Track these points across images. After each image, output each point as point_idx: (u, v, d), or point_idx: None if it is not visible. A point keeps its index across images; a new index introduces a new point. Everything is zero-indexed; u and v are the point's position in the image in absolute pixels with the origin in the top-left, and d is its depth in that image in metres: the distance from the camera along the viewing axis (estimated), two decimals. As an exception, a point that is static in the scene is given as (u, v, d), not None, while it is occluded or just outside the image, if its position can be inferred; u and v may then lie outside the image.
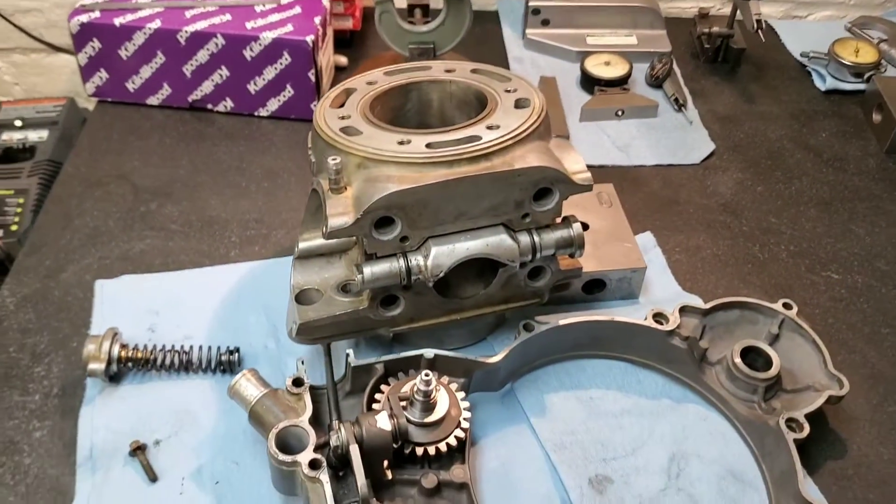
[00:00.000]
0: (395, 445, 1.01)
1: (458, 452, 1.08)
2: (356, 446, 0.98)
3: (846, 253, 1.45)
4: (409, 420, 1.04)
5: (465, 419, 1.07)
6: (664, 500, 1.11)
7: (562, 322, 1.19)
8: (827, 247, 1.46)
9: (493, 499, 1.10)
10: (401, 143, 1.07)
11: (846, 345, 1.30)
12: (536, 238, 1.11)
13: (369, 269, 1.07)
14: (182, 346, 1.20)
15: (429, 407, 1.05)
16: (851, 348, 1.30)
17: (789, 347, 1.23)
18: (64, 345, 1.25)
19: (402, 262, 1.07)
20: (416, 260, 1.08)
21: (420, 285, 1.11)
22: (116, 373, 1.19)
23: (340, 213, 1.03)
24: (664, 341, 1.21)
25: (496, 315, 1.26)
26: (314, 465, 1.00)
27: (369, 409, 1.08)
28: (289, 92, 1.60)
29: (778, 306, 1.24)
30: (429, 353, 1.12)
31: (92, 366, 1.16)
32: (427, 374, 1.03)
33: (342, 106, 1.18)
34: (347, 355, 1.11)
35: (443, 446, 1.05)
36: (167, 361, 1.19)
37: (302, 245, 1.16)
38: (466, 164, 1.04)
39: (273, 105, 1.63)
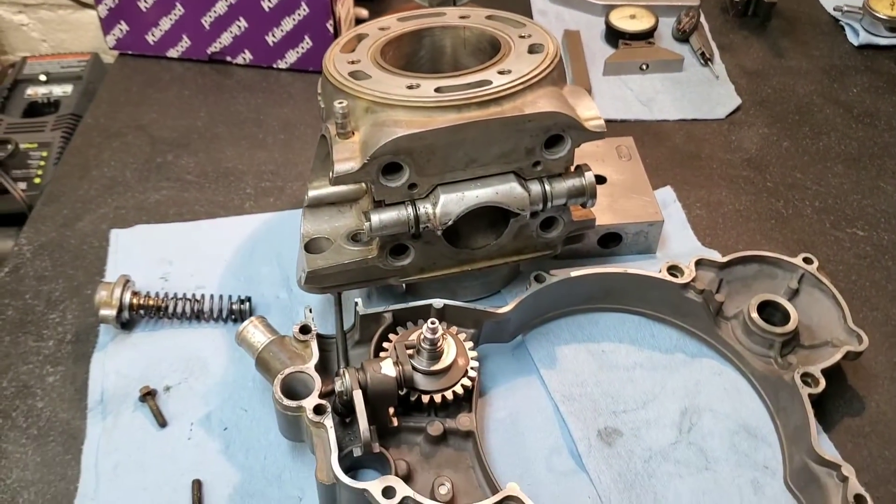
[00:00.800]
0: (400, 392, 1.01)
1: (466, 402, 1.07)
2: (360, 391, 0.97)
3: (873, 210, 1.41)
4: (414, 368, 1.03)
5: (472, 368, 1.07)
6: (674, 453, 1.10)
7: (574, 274, 1.17)
8: (853, 203, 1.42)
9: (499, 448, 1.09)
10: (410, 87, 1.05)
11: (868, 302, 1.27)
12: (547, 186, 1.09)
13: (377, 217, 1.05)
14: (193, 295, 1.21)
15: (435, 355, 1.04)
16: (874, 305, 1.27)
17: (808, 303, 1.20)
18: (78, 292, 1.26)
19: (410, 209, 1.06)
20: (425, 208, 1.06)
21: (430, 235, 1.10)
22: (128, 320, 1.20)
23: (347, 158, 1.02)
24: (679, 294, 1.19)
25: (510, 268, 1.25)
26: (318, 410, 1.00)
27: (376, 356, 1.07)
28: (307, 44, 1.59)
29: (798, 261, 1.21)
30: (438, 302, 1.11)
31: (103, 312, 1.16)
32: (433, 322, 1.02)
33: (353, 51, 1.16)
34: (356, 304, 1.11)
35: (449, 394, 1.04)
36: (178, 309, 1.20)
37: (312, 193, 1.16)
38: (476, 108, 1.02)
39: (291, 57, 1.62)
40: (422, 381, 1.04)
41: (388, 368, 1.00)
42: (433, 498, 0.98)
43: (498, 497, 0.95)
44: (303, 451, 1.08)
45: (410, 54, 1.22)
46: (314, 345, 1.06)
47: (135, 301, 1.18)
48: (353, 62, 1.13)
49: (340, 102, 1.02)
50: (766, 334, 1.15)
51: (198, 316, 1.21)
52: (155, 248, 1.32)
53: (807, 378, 1.09)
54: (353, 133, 1.04)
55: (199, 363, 1.17)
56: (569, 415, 1.12)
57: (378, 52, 1.15)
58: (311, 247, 1.15)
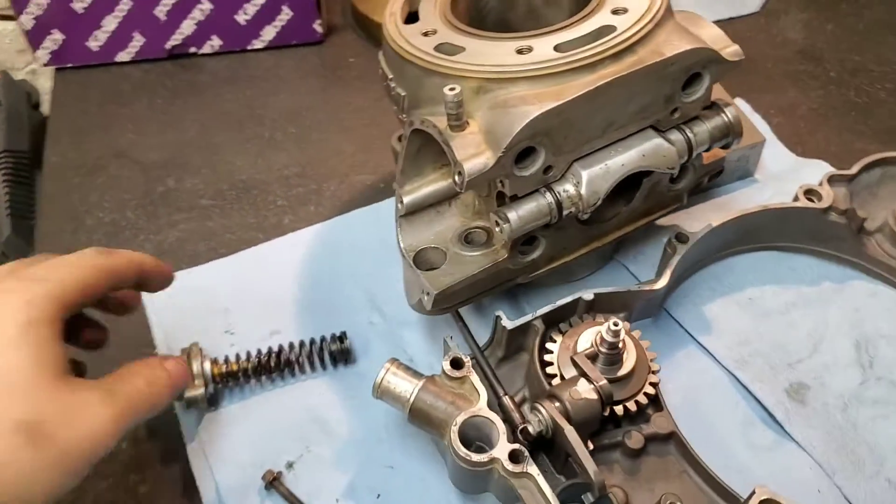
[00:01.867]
0: (604, 414, 0.86)
1: (651, 401, 0.93)
2: (570, 427, 0.82)
3: (945, 79, 1.33)
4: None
5: (653, 361, 0.93)
6: (866, 393, 1.00)
7: (715, 224, 1.03)
8: (923, 76, 1.34)
9: (689, 437, 0.95)
10: (520, 51, 0.87)
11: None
12: (689, 134, 0.93)
13: (515, 214, 0.88)
14: (280, 346, 1.01)
15: (618, 359, 0.89)
16: None
17: (944, 197, 1.11)
18: (133, 374, 1.03)
19: (549, 196, 0.89)
20: (566, 191, 0.89)
21: (563, 220, 0.93)
22: (213, 394, 0.99)
23: (474, 154, 0.83)
24: (819, 219, 1.07)
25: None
26: (516, 457, 0.84)
27: (545, 374, 0.91)
28: (286, 14, 1.35)
29: (924, 154, 1.11)
30: (587, 294, 0.96)
31: (189, 394, 0.95)
32: (616, 324, 0.87)
33: (415, 18, 0.96)
34: (499, 318, 0.94)
35: (642, 398, 0.90)
36: (270, 366, 1.00)
37: (407, 199, 0.96)
38: (611, 62, 0.85)
39: (269, 34, 1.38)
40: (613, 392, 0.89)
41: (585, 390, 0.85)
42: (663, 521, 0.85)
43: (752, 504, 0.82)
44: (479, 499, 0.92)
45: (472, 6, 1.02)
46: (475, 379, 0.89)
47: (216, 370, 0.98)
48: (427, 33, 0.93)
49: (452, 89, 0.82)
50: (922, 242, 1.05)
51: (292, 369, 1.01)
52: (202, 299, 1.10)
53: None
54: (467, 123, 0.85)
55: (317, 425, 0.98)
56: (750, 381, 1.00)
57: (448, 10, 0.95)
58: (419, 262, 0.97)
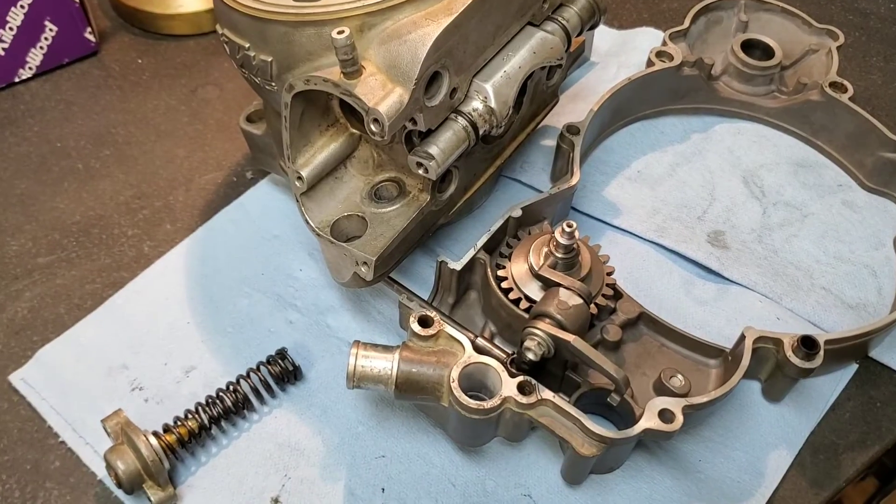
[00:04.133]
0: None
1: (613, 289, 0.92)
2: (576, 336, 0.79)
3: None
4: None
5: (603, 252, 0.92)
6: (771, 220, 1.06)
7: (595, 107, 1.03)
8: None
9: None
10: (389, -24, 0.80)
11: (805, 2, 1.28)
12: (563, 21, 0.91)
13: (437, 149, 0.82)
14: (220, 389, 0.88)
15: (575, 261, 0.87)
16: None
17: (762, 27, 1.18)
18: (44, 479, 0.86)
19: (461, 120, 0.84)
20: (475, 109, 0.84)
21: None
22: (170, 469, 0.85)
23: (384, 96, 0.76)
24: (676, 77, 1.11)
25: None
26: (525, 389, 0.79)
27: (515, 304, 0.87)
28: (51, 30, 1.16)
29: (734, -7, 1.18)
30: (516, 211, 0.93)
31: (157, 495, 0.81)
32: (570, 225, 0.84)
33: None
34: (444, 263, 0.88)
35: (607, 290, 0.89)
36: (220, 413, 0.87)
37: (306, 172, 0.86)
38: (487, -39, 0.81)
39: (36, 57, 1.18)
40: (582, 293, 0.87)
41: (569, 296, 0.82)
42: (668, 393, 0.85)
43: (749, 348, 0.84)
44: (482, 451, 0.88)
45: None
46: (450, 330, 0.83)
47: (166, 441, 0.84)
48: (274, -15, 0.83)
49: (341, 31, 0.74)
50: (764, 71, 1.12)
51: (242, 409, 0.89)
52: (91, 364, 0.94)
53: (835, 87, 1.08)
54: (363, 67, 0.77)
55: (287, 450, 0.88)
56: (676, 244, 1.02)
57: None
58: (336, 236, 0.88)
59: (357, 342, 0.84)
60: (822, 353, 0.84)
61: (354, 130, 0.89)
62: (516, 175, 1.09)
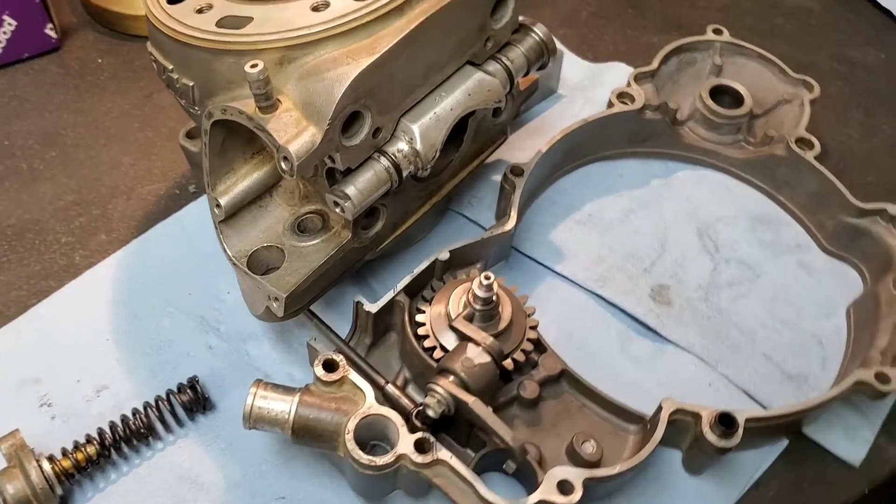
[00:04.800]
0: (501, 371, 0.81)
1: (535, 345, 0.89)
2: (475, 398, 0.76)
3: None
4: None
5: (527, 304, 0.88)
6: (720, 277, 1.02)
7: (544, 148, 0.99)
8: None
9: (578, 370, 0.93)
10: (315, 8, 0.77)
11: (773, 46, 1.23)
12: (507, 61, 0.88)
13: (354, 189, 0.79)
14: (125, 417, 0.86)
15: (494, 313, 0.84)
16: (765, 49, 1.24)
17: (736, 73, 1.14)
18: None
19: (384, 160, 0.81)
20: (400, 150, 0.81)
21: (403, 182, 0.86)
22: (62, 496, 0.83)
23: (296, 133, 0.73)
24: (637, 120, 1.07)
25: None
26: (423, 447, 0.77)
27: (424, 350, 0.84)
28: (9, 24, 1.14)
29: (709, 35, 1.13)
30: (443, 254, 0.90)
31: None
32: (488, 277, 0.81)
33: (178, -2, 0.83)
34: (359, 304, 0.86)
35: (528, 346, 0.86)
36: (123, 439, 0.85)
37: (224, 200, 0.84)
38: (418, 2, 0.78)
39: (-7, 50, 1.17)
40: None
41: (477, 354, 0.79)
42: (579, 460, 0.82)
43: (664, 422, 0.80)
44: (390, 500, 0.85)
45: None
46: (354, 377, 0.80)
47: (59, 468, 0.82)
48: (202, 9, 0.81)
49: (254, 65, 0.71)
50: (731, 120, 1.08)
51: (146, 437, 0.87)
52: (1, 375, 0.92)
53: (800, 143, 1.04)
54: (279, 101, 0.75)
55: (187, 482, 0.86)
56: (616, 296, 0.99)
57: (214, -18, 0.83)
58: (252, 267, 0.86)
59: (258, 381, 0.81)
60: (740, 431, 0.80)
61: (280, 160, 0.87)
62: (463, 210, 1.06)
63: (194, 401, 0.88)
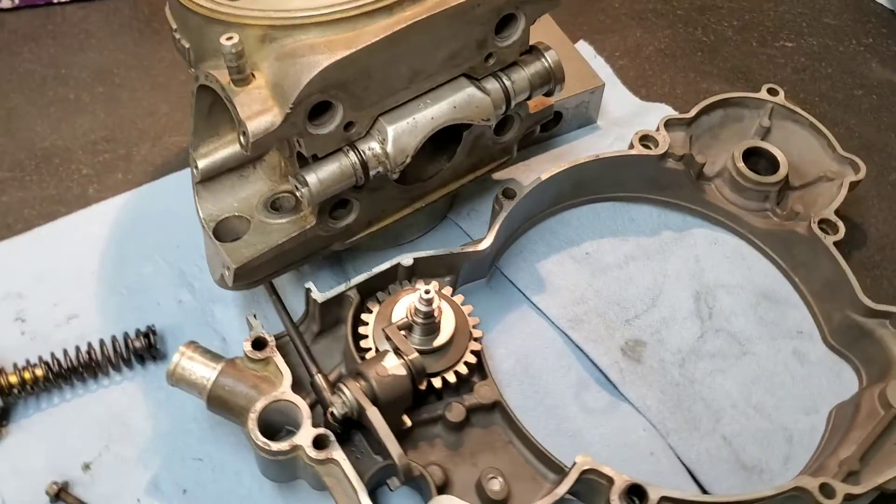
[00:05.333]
0: (420, 388, 0.80)
1: (475, 369, 0.87)
2: (374, 409, 0.75)
3: (790, 15, 1.29)
4: (419, 351, 0.81)
5: (475, 328, 0.86)
6: (704, 347, 0.96)
7: (544, 177, 0.97)
8: (770, 13, 1.30)
9: (520, 405, 0.91)
10: (311, -6, 0.78)
11: (825, 118, 1.16)
12: (507, 81, 0.86)
13: (314, 177, 0.80)
14: (78, 349, 0.90)
15: (434, 328, 0.83)
16: (832, 121, 1.17)
17: (784, 138, 1.07)
18: None
19: (352, 155, 0.81)
20: (371, 149, 0.81)
21: (377, 180, 0.85)
22: (3, 407, 0.88)
23: (259, 111, 0.75)
24: (656, 167, 1.02)
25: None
26: (320, 443, 0.77)
27: (358, 349, 0.84)
28: (91, -38, 1.22)
29: (763, 94, 1.07)
30: (406, 259, 0.89)
31: None
32: (428, 291, 0.80)
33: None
34: (309, 291, 0.86)
35: (462, 368, 0.84)
36: (65, 373, 0.89)
37: (202, 163, 0.86)
38: (410, 5, 0.77)
39: (75, -17, 1.24)
40: (428, 363, 0.82)
41: (393, 366, 0.78)
42: (484, 497, 0.80)
43: (571, 480, 0.77)
44: (295, 486, 0.85)
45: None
46: (278, 360, 0.81)
47: (3, 382, 0.87)
48: (210, -23, 0.82)
49: (230, 38, 0.73)
50: (759, 186, 1.02)
51: (94, 373, 0.91)
52: (-11, 278, 0.98)
53: (824, 225, 0.97)
54: (253, 76, 0.76)
55: (118, 423, 0.89)
56: (583, 341, 0.95)
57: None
58: (220, 233, 0.88)
59: (190, 343, 0.84)
60: (651, 508, 0.76)
61: (265, 135, 0.88)
62: (460, 220, 1.04)
63: (145, 348, 0.91)
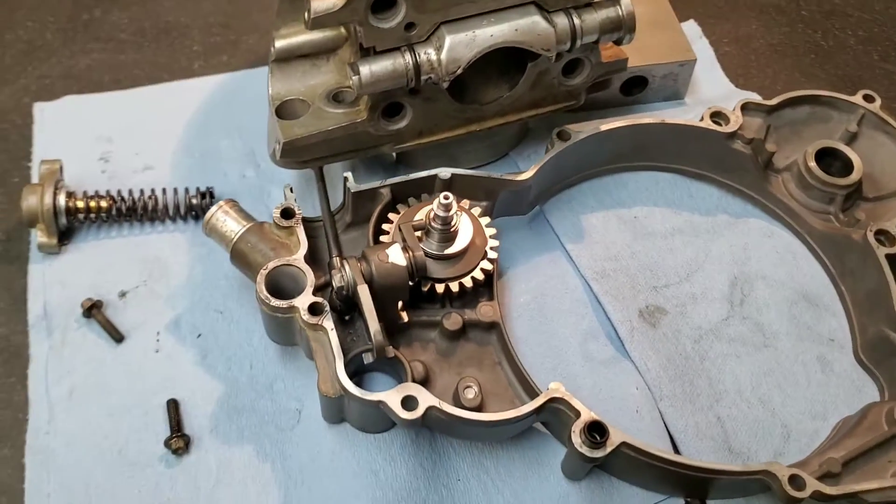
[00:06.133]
0: (410, 283, 0.83)
1: (485, 287, 0.90)
2: (365, 286, 0.79)
3: (925, 36, 1.23)
4: (426, 253, 0.85)
5: (491, 249, 0.89)
6: (726, 330, 0.95)
7: (604, 127, 0.97)
8: (902, 30, 1.24)
9: (525, 338, 0.93)
10: None
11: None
12: (576, 19, 0.88)
13: (367, 68, 0.84)
14: (142, 192, 0.99)
15: (449, 236, 0.86)
16: (935, 147, 1.10)
17: (870, 148, 1.03)
18: (4, 181, 1.04)
19: (408, 56, 0.85)
20: (427, 53, 0.85)
21: (431, 89, 0.89)
22: (67, 228, 0.98)
23: (326, -8, 0.80)
24: (723, 145, 1.01)
25: (520, 125, 1.05)
26: (315, 309, 0.82)
27: (377, 241, 0.89)
28: None
29: (857, 99, 1.03)
30: (444, 172, 0.92)
31: (41, 239, 0.95)
32: (447, 197, 0.83)
33: None
34: (346, 179, 0.91)
35: (467, 281, 0.87)
36: (126, 210, 0.98)
37: (279, 44, 0.93)
38: None
39: None
40: (435, 268, 0.86)
41: (396, 256, 0.82)
42: (458, 403, 0.82)
43: (539, 401, 0.79)
44: (295, 354, 0.91)
45: None
46: (300, 231, 0.87)
47: (72, 204, 0.96)
48: None
49: (312, -78, 0.79)
50: (826, 187, 0.98)
51: (151, 217, 1.00)
52: (90, 124, 1.09)
53: (881, 236, 0.93)
54: (330, -40, 0.81)
55: (159, 264, 0.98)
56: (604, 294, 0.95)
57: None
58: (283, 111, 0.94)
59: (230, 200, 0.91)
60: (607, 448, 0.76)
61: (342, 29, 0.94)
62: (520, 160, 1.07)
63: (199, 206, 0.99)
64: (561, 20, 0.88)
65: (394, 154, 1.01)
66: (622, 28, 0.89)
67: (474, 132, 0.97)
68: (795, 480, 0.77)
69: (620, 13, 0.89)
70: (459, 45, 0.85)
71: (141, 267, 0.97)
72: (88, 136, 1.07)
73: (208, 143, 1.08)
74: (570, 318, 0.95)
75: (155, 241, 1.00)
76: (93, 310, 0.92)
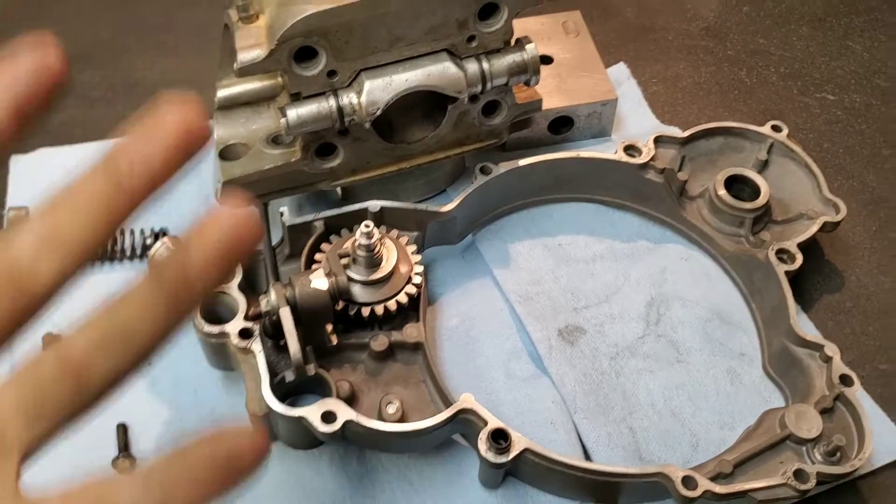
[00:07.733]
0: (337, 308, 0.90)
1: (413, 311, 0.97)
2: (287, 308, 0.87)
3: (842, 71, 1.31)
4: (351, 279, 0.92)
5: (416, 274, 0.96)
6: (642, 347, 1.01)
7: (522, 163, 1.05)
8: (821, 66, 1.31)
9: (452, 359, 1.00)
10: (319, -46, 0.92)
11: (843, 170, 1.18)
12: (485, 64, 0.96)
13: (294, 112, 0.93)
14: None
15: (373, 262, 0.93)
16: (849, 173, 1.17)
17: (779, 174, 1.10)
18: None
19: (332, 100, 0.94)
20: (349, 97, 0.94)
21: (359, 130, 0.98)
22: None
23: (251, 45, 0.89)
24: (637, 176, 1.08)
25: (455, 164, 1.13)
26: (244, 334, 0.89)
27: (308, 270, 0.96)
28: (214, -66, 1.42)
29: (766, 129, 1.10)
30: (374, 205, 1.00)
31: None
32: (368, 226, 0.91)
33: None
34: (281, 214, 0.99)
35: (392, 304, 0.94)
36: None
37: (221, 93, 1.02)
38: (395, -24, 0.89)
39: (199, -50, 1.45)
40: (360, 293, 0.93)
41: (318, 281, 0.89)
42: (380, 418, 0.89)
43: (451, 411, 0.85)
44: (238, 379, 0.98)
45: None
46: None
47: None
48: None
49: (238, -18, 0.88)
50: (735, 211, 1.05)
51: (110, 257, 1.08)
52: (60, 174, 1.17)
53: (782, 254, 1.00)
54: (258, 17, 0.91)
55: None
56: (526, 315, 1.02)
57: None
58: (226, 154, 1.02)
59: (173, 237, 0.99)
60: (511, 454, 0.83)
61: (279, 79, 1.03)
62: (455, 193, 1.14)
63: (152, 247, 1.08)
64: (471, 65, 0.96)
65: (338, 191, 1.09)
66: (528, 70, 0.98)
67: (405, 169, 1.05)
68: (688, 481, 0.83)
69: (525, 57, 0.97)
70: (377, 89, 0.93)
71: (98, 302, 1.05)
72: (58, 184, 1.16)
73: (168, 186, 1.17)
74: (496, 340, 1.02)
75: (115, 279, 1.07)
76: (47, 337, 1.00)
